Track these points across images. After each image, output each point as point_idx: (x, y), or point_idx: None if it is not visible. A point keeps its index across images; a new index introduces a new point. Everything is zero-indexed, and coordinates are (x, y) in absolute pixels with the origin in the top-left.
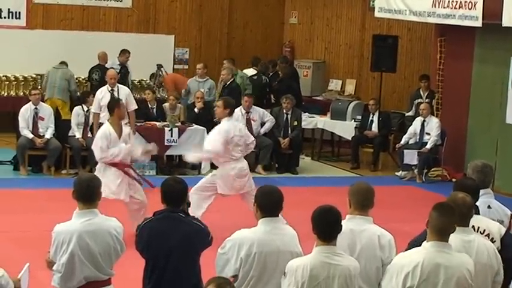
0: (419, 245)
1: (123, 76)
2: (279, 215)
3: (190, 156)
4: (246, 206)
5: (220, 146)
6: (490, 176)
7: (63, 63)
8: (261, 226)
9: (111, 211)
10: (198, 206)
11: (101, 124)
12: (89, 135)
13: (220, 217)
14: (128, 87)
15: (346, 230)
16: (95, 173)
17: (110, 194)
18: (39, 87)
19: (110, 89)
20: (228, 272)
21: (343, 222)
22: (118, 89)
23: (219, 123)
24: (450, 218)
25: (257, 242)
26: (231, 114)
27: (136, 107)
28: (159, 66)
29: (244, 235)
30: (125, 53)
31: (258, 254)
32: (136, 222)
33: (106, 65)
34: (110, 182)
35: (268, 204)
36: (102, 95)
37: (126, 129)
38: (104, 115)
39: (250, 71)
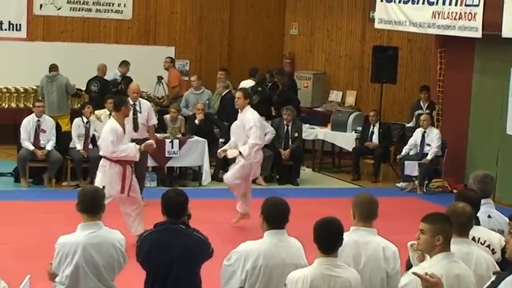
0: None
1: (126, 87)
2: (285, 227)
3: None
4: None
5: (262, 132)
6: (490, 186)
7: (54, 68)
8: (266, 238)
9: (112, 223)
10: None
11: None
12: (90, 146)
13: (220, 229)
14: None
15: (350, 242)
16: (98, 170)
17: (113, 192)
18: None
19: (132, 103)
20: (233, 284)
21: (347, 234)
22: (140, 103)
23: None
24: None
25: (263, 254)
26: (249, 103)
27: (157, 122)
28: (160, 78)
29: (251, 247)
30: (126, 64)
31: (264, 267)
32: (136, 225)
33: (106, 77)
34: (114, 183)
35: (275, 216)
36: None
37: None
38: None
39: (249, 82)
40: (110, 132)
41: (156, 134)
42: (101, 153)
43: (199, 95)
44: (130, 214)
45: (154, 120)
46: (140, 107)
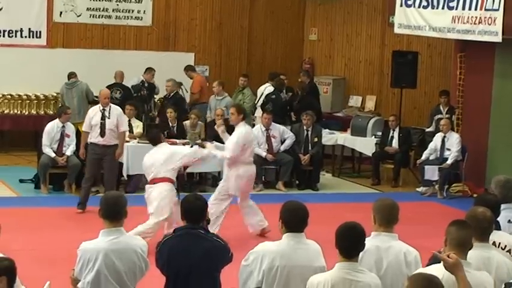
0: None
1: (150, 94)
2: (303, 231)
3: (208, 150)
4: (267, 221)
5: (239, 149)
6: None
7: (72, 75)
8: (284, 240)
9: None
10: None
11: (86, 144)
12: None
13: (239, 234)
14: (154, 104)
15: (372, 247)
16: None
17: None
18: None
19: (101, 108)
20: (250, 284)
21: (368, 239)
22: (110, 109)
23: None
24: (467, 232)
25: (280, 255)
26: (244, 119)
27: (127, 129)
28: (179, 84)
29: (268, 248)
30: (150, 70)
31: (281, 268)
32: None
33: (129, 83)
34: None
35: (294, 221)
36: (94, 113)
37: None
38: (94, 134)
39: (268, 87)
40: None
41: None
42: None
43: (219, 101)
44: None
45: (124, 127)
46: (109, 113)
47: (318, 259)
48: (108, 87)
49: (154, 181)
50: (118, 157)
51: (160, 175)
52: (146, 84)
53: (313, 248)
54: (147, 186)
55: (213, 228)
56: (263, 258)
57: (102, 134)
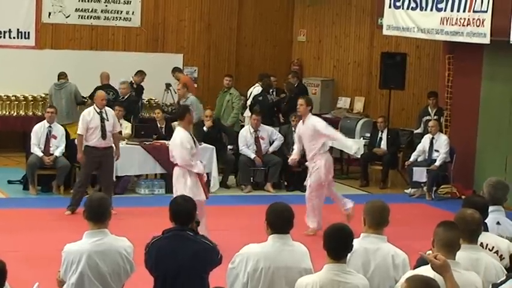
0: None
1: (138, 95)
2: (289, 233)
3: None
4: (256, 223)
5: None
6: (500, 193)
7: (62, 76)
8: (270, 241)
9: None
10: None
11: (85, 146)
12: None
13: (229, 235)
14: (141, 107)
15: (360, 249)
16: (174, 178)
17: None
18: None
19: (98, 110)
20: (237, 286)
21: (357, 241)
22: (106, 111)
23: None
24: (455, 232)
25: (264, 256)
26: (311, 110)
27: (121, 130)
28: (168, 85)
29: (252, 250)
30: (141, 74)
31: (265, 269)
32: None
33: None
34: (194, 186)
35: (279, 222)
36: (91, 117)
37: None
38: (94, 137)
39: (256, 87)
40: (187, 142)
41: (145, 140)
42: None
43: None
44: None
45: (119, 127)
46: (107, 115)
47: (304, 261)
48: (99, 88)
49: None
50: (118, 158)
51: None
52: (135, 86)
53: (299, 249)
54: None
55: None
56: (248, 260)
57: (104, 136)
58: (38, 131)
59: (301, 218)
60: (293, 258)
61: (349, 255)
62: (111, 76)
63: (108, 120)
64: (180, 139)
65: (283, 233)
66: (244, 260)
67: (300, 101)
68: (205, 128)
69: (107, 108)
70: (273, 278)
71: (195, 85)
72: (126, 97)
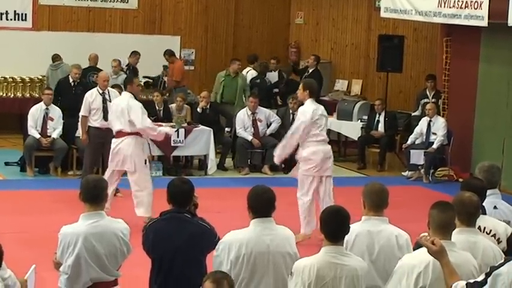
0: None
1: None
2: (271, 216)
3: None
4: None
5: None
6: (496, 177)
7: (57, 58)
8: (251, 226)
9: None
10: None
11: (88, 127)
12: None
13: (226, 218)
14: None
15: (363, 232)
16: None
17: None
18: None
19: (101, 91)
20: None
21: (359, 224)
22: (109, 92)
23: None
24: (449, 214)
25: (246, 242)
26: (311, 96)
27: None
28: (165, 67)
29: (234, 236)
30: (135, 54)
31: (248, 255)
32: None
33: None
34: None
35: (259, 205)
36: (93, 98)
37: None
38: (96, 118)
39: (249, 71)
40: (141, 108)
41: None
42: (139, 127)
43: (115, 79)
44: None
45: None
46: (109, 96)
47: (287, 244)
48: (85, 70)
49: None
50: None
51: None
52: (131, 68)
53: (283, 234)
54: None
55: None
56: (230, 248)
57: (106, 117)
58: (35, 113)
59: (295, 200)
60: (275, 242)
61: (352, 238)
62: (108, 58)
63: (110, 102)
64: (137, 104)
65: (264, 217)
66: (227, 247)
67: (300, 86)
68: (199, 109)
69: (111, 89)
70: (255, 264)
71: (192, 67)
72: (78, 82)
